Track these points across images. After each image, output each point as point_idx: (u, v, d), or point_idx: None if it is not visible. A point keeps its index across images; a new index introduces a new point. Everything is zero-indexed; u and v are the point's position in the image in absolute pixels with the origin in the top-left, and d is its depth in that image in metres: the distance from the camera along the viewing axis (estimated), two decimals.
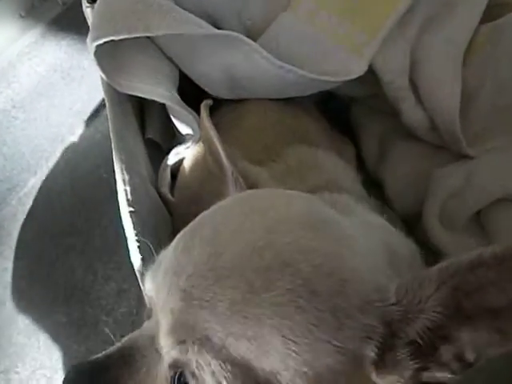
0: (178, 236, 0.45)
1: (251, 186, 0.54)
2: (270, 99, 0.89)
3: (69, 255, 1.13)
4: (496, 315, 0.36)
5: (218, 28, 0.84)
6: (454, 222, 0.84)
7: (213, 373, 0.37)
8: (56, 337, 1.06)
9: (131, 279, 1.03)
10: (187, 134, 0.85)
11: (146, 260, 0.59)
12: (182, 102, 0.81)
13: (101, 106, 1.31)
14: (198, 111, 0.75)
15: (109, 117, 0.78)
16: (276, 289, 0.37)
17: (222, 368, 0.36)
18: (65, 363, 1.03)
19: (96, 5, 0.82)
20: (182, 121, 0.83)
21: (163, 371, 0.41)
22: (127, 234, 0.63)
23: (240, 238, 0.40)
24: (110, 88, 0.81)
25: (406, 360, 0.39)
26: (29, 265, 1.14)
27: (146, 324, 0.46)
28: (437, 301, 0.36)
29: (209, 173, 0.62)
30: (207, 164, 0.63)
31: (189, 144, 0.83)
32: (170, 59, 0.86)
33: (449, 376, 0.39)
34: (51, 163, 1.26)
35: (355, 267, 0.40)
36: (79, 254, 1.13)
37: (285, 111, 0.88)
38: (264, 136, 0.83)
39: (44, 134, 1.30)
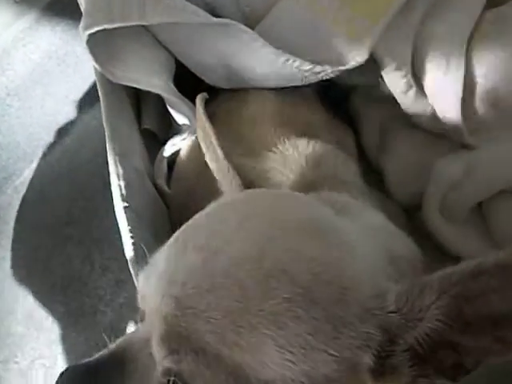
0: (172, 239, 0.44)
1: (248, 183, 0.53)
2: (269, 88, 0.87)
3: (66, 245, 1.12)
4: (497, 323, 0.35)
5: (216, 15, 0.82)
6: (455, 213, 0.83)
7: (206, 383, 0.36)
8: (55, 327, 1.06)
9: (129, 270, 1.03)
10: (184, 125, 0.83)
11: (141, 257, 0.58)
12: (177, 93, 0.79)
13: (97, 94, 1.29)
14: (194, 100, 0.73)
15: (102, 107, 0.77)
16: (273, 298, 0.36)
17: (215, 378, 0.36)
18: (64, 353, 1.03)
19: None
20: (178, 111, 0.82)
21: (157, 376, 0.41)
22: (121, 230, 0.62)
23: (236, 245, 0.39)
24: (103, 77, 0.79)
25: (404, 367, 0.38)
26: (26, 255, 1.13)
27: (139, 326, 0.45)
28: (438, 309, 0.36)
29: (205, 166, 0.61)
30: (203, 157, 0.61)
31: (185, 135, 0.81)
32: (165, 48, 0.84)
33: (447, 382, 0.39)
34: (47, 152, 1.25)
35: (355, 274, 0.39)
36: (77, 244, 1.12)
37: (284, 101, 0.86)
38: (262, 126, 0.81)
39: (39, 123, 1.28)
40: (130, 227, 0.61)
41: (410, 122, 0.92)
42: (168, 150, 0.85)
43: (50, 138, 1.26)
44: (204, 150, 0.59)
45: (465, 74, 0.83)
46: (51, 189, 1.20)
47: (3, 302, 1.09)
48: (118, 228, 0.67)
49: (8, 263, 1.13)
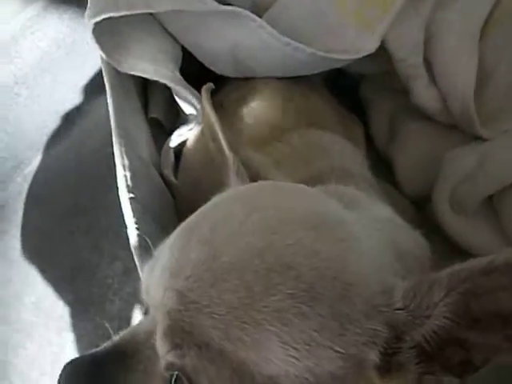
0: (176, 232, 0.43)
1: (253, 175, 0.52)
2: (277, 78, 0.86)
3: (74, 234, 1.12)
4: (507, 322, 0.34)
5: (224, 3, 0.80)
6: (465, 206, 0.82)
7: (210, 378, 0.36)
8: (64, 315, 1.06)
9: None
10: (191, 114, 0.83)
11: (146, 249, 0.57)
12: (184, 82, 0.78)
13: None
14: (201, 90, 0.73)
15: (108, 97, 0.76)
16: (277, 293, 0.36)
17: (219, 374, 0.35)
18: (72, 340, 1.04)
19: None
20: (185, 100, 0.81)
21: (160, 370, 0.40)
22: (126, 222, 0.61)
23: (239, 239, 0.38)
24: (109, 66, 0.79)
25: (410, 364, 0.37)
26: (35, 243, 1.14)
27: (143, 319, 0.45)
28: (446, 306, 0.35)
29: (210, 157, 0.60)
30: (209, 149, 0.60)
31: (192, 125, 0.80)
32: (172, 36, 0.83)
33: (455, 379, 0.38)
34: (56, 140, 1.24)
35: (360, 270, 0.38)
36: (85, 233, 1.12)
37: (292, 90, 0.85)
38: (270, 116, 0.80)
39: (48, 111, 1.27)
40: (135, 219, 0.61)
41: (421, 112, 0.91)
42: (175, 140, 0.84)
43: (58, 126, 1.26)
44: (210, 141, 0.59)
45: (478, 63, 0.81)
46: (59, 178, 1.20)
47: (13, 289, 1.10)
48: None
49: (17, 252, 1.13)
